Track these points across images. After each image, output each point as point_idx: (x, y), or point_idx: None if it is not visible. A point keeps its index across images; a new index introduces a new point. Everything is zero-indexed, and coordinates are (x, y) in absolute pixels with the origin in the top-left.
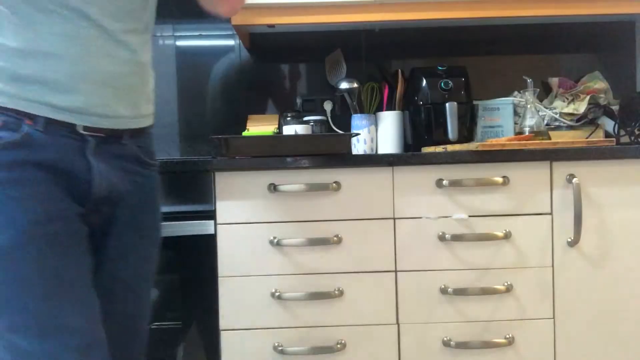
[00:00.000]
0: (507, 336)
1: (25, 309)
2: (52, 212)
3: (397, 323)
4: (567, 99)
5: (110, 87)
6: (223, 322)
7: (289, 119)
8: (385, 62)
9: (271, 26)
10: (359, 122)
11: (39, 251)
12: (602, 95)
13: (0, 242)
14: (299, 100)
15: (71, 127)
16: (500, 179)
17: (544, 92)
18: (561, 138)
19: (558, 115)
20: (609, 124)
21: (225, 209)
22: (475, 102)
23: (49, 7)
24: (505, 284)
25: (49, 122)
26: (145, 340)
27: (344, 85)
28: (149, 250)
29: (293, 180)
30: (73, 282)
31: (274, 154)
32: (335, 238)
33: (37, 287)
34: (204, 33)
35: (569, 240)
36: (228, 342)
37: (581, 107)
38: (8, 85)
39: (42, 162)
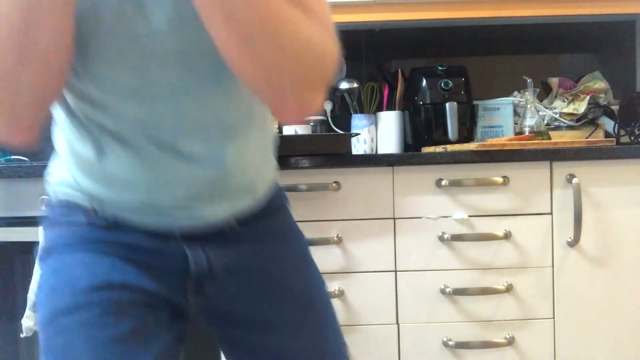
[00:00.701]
0: (507, 336)
1: None
2: (116, 280)
3: (397, 323)
4: (567, 99)
5: (194, 200)
6: None
7: None
8: (385, 62)
9: None
10: (359, 122)
11: (94, 317)
12: (602, 95)
13: (54, 305)
14: None
15: None
16: (500, 179)
17: (544, 92)
18: (561, 138)
19: (558, 115)
20: (609, 124)
21: None
22: (475, 102)
23: (116, 136)
24: (505, 283)
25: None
26: None
27: (344, 85)
28: (308, 302)
29: (293, 180)
30: (127, 354)
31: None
32: (335, 238)
33: (82, 356)
34: None
35: (569, 240)
36: None
37: (581, 107)
38: (93, 199)
39: (125, 243)
